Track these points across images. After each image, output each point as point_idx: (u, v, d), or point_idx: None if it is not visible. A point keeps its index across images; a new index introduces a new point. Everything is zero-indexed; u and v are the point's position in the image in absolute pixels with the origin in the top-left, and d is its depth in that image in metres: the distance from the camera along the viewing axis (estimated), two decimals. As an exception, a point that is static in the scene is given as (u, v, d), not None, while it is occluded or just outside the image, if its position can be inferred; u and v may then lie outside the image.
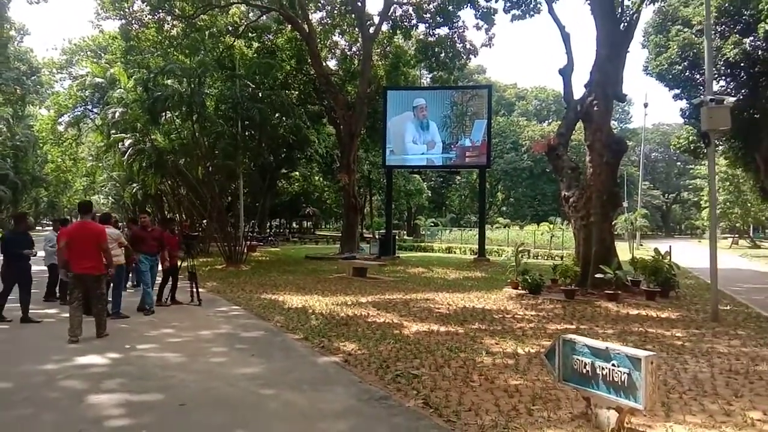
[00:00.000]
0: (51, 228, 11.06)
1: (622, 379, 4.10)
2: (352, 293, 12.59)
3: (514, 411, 4.71)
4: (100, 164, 34.43)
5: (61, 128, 35.37)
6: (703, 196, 49.24)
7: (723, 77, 26.13)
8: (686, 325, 8.82)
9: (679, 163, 79.93)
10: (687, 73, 26.95)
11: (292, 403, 4.90)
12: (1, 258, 8.85)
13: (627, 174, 62.05)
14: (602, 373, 4.27)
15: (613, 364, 4.19)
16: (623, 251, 25.37)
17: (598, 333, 8.04)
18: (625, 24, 14.81)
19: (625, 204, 50.14)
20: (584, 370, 4.41)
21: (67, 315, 7.47)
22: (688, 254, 24.59)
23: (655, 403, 4.21)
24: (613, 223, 14.42)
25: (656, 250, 12.93)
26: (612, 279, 11.49)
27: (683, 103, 28.27)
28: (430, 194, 58.38)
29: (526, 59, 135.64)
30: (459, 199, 69.13)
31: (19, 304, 8.65)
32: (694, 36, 25.66)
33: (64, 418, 4.45)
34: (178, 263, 10.94)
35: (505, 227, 48.51)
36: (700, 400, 5.00)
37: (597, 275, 11.80)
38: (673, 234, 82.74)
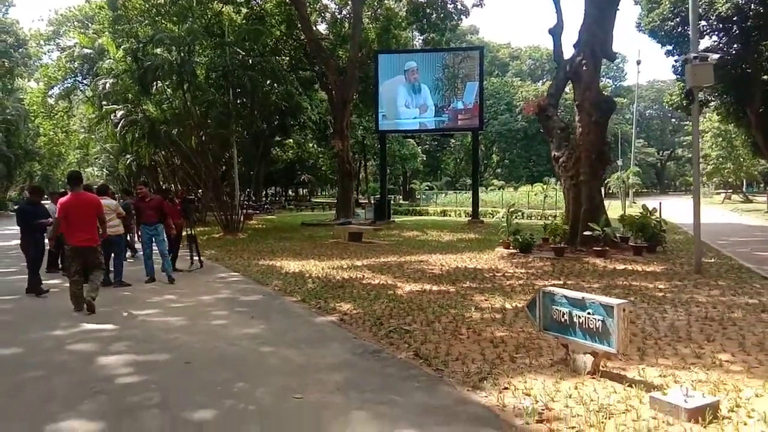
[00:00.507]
0: (49, 201, 11.19)
1: (597, 326, 4.40)
2: (348, 257, 12.89)
3: (498, 359, 5.03)
4: (93, 136, 34.29)
5: (51, 101, 35.11)
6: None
7: (715, 32, 26.03)
8: (669, 278, 9.17)
9: (673, 120, 79.84)
10: (679, 29, 26.74)
11: (291, 359, 5.21)
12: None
13: (621, 132, 62.10)
14: (579, 321, 4.56)
15: (588, 313, 4.48)
16: (616, 209, 25.75)
17: (584, 287, 8.36)
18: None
19: (619, 162, 50.43)
20: (563, 319, 4.71)
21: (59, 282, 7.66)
22: (679, 210, 24.91)
23: (627, 347, 4.51)
24: (603, 181, 14.65)
25: (644, 207, 13.22)
26: (600, 236, 11.80)
27: (676, 60, 28.14)
28: (425, 158, 58.42)
29: (520, 18, 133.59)
30: (454, 163, 69.23)
31: (25, 276, 8.89)
32: (686, -10, 25.39)
33: (77, 378, 4.74)
34: (181, 232, 11.13)
35: (499, 189, 48.84)
36: (674, 345, 5.33)
37: (585, 233, 12.10)
38: (668, 191, 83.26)
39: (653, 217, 12.81)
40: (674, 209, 24.82)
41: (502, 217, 14.55)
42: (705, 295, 7.71)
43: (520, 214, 27.52)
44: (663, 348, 5.25)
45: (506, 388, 4.28)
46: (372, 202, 33.68)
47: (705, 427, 3.48)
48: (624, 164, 46.86)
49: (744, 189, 55.17)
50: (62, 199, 7.65)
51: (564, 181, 13.89)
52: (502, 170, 70.03)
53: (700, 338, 5.55)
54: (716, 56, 9.57)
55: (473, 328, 6.16)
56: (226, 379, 4.63)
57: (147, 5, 24.61)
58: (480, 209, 26.01)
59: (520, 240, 12.80)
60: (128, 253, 12.33)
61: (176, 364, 5.10)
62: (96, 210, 7.61)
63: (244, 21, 26.43)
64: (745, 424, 3.54)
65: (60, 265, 11.10)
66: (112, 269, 9.45)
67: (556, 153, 13.98)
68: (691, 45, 9.86)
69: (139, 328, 6.56)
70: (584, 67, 12.87)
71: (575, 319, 4.60)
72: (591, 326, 4.46)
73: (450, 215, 32.72)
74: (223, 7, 26.43)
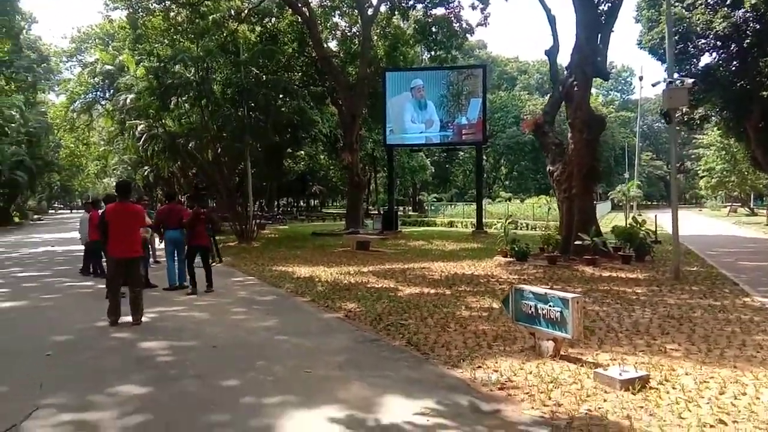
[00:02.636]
0: (83, 210, 12.25)
1: (556, 316, 5.28)
2: (355, 264, 13.80)
3: (477, 346, 5.92)
4: (112, 148, 35.67)
5: (73, 114, 36.55)
6: (700, 165, 49.92)
7: (714, 50, 26.82)
8: (648, 283, 9.99)
9: (683, 134, 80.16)
10: (680, 46, 27.61)
11: (301, 345, 6.12)
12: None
13: (629, 145, 62.73)
14: (542, 313, 5.45)
15: (549, 305, 5.37)
16: (620, 221, 26.43)
17: (567, 291, 9.19)
18: (609, 4, 15.71)
19: (626, 174, 51.09)
20: (530, 311, 5.60)
21: (102, 285, 8.23)
22: (681, 223, 25.53)
23: (581, 334, 5.37)
24: (594, 194, 15.48)
25: (634, 218, 14.04)
26: (590, 245, 12.63)
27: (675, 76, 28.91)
28: (433, 170, 59.41)
29: (528, 33, 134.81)
30: (463, 175, 70.05)
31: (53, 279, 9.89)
32: (684, 10, 26.28)
33: (125, 357, 5.70)
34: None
35: (506, 201, 49.55)
36: (631, 337, 6.19)
37: (576, 242, 12.94)
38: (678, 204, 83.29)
39: (642, 228, 13.60)
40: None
41: (500, 228, 15.39)
42: (675, 298, 8.54)
43: (524, 225, 28.56)
44: (621, 339, 6.11)
45: (479, 367, 5.17)
46: (381, 212, 34.59)
47: (634, 394, 4.35)
48: (631, 176, 47.52)
49: (752, 202, 55.48)
50: (108, 207, 7.67)
51: (558, 194, 14.75)
52: (511, 182, 70.76)
53: (656, 332, 6.40)
54: (690, 81, 10.42)
55: (461, 323, 7.04)
56: (248, 358, 5.55)
57: (166, 24, 25.91)
58: (486, 220, 26.85)
59: (516, 249, 13.65)
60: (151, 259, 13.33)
61: (205, 348, 6.04)
62: (138, 220, 7.62)
63: (258, 39, 27.64)
64: (668, 392, 4.40)
65: (90, 270, 12.11)
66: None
67: (551, 167, 14.85)
68: (667, 70, 10.75)
69: (170, 321, 7.52)
70: (575, 88, 13.78)
71: (540, 311, 5.48)
72: (552, 317, 5.34)
73: (457, 226, 33.55)
74: (238, 26, 27.68)
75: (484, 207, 29.18)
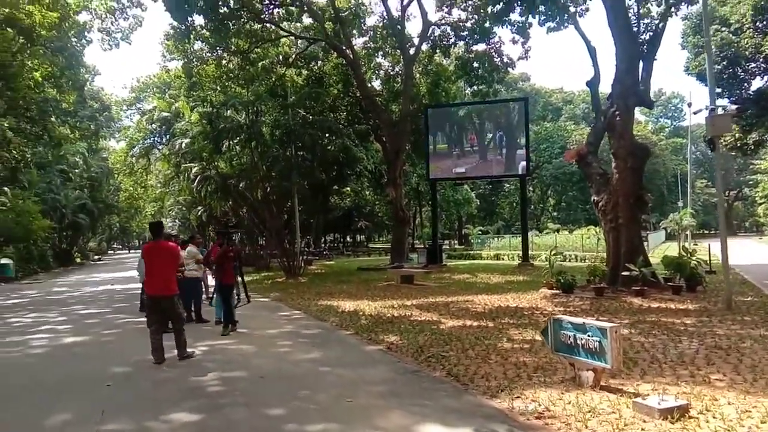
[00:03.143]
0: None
1: (595, 346, 5.31)
2: (399, 298, 13.94)
3: (517, 377, 5.96)
4: (168, 190, 37.36)
5: (132, 159, 38.63)
6: (758, 192, 47.91)
7: (764, 73, 26.14)
8: (698, 314, 9.72)
9: (738, 159, 77.35)
10: (728, 71, 27.05)
11: (344, 376, 6.32)
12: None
13: (682, 172, 60.94)
14: (581, 343, 5.48)
15: (588, 335, 5.40)
16: (673, 251, 25.62)
17: (612, 322, 9.07)
18: (651, 34, 15.73)
19: (680, 203, 49.52)
20: (569, 342, 5.63)
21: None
22: (737, 252, 24.58)
23: (621, 363, 5.36)
24: (645, 224, 15.20)
25: (684, 248, 13.69)
26: (638, 276, 12.39)
27: (726, 101, 28.26)
28: (479, 203, 59.23)
29: (572, 63, 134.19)
30: (509, 207, 69.48)
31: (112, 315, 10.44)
32: (731, 35, 25.83)
33: (178, 387, 6.03)
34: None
35: (554, 232, 48.74)
36: (675, 368, 6.10)
37: (623, 273, 12.71)
38: (738, 232, 79.88)
39: (693, 258, 13.24)
40: (732, 250, 24.49)
41: (545, 260, 15.27)
42: (725, 328, 8.30)
43: (573, 256, 28.03)
44: (664, 370, 6.03)
45: (518, 397, 5.22)
46: (426, 246, 34.67)
47: (673, 423, 4.33)
48: (684, 205, 46.10)
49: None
50: (144, 246, 7.95)
51: (604, 225, 14.56)
52: (559, 213, 69.66)
53: (701, 363, 6.27)
54: (734, 107, 10.31)
55: (502, 354, 7.08)
56: (293, 388, 5.78)
57: (218, 72, 27.36)
58: (533, 252, 26.53)
59: (562, 281, 13.50)
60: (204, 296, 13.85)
61: (253, 378, 6.32)
62: (173, 258, 7.58)
63: (305, 82, 28.75)
64: (707, 421, 4.36)
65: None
66: (193, 309, 10.91)
67: (595, 198, 14.72)
68: (709, 97, 10.65)
69: (220, 353, 7.86)
70: (617, 118, 13.74)
71: (578, 341, 5.52)
72: (591, 346, 5.37)
73: (503, 259, 33.20)
74: (285, 71, 28.91)
75: (530, 239, 28.89)
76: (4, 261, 28.38)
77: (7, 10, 19.76)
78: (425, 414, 4.80)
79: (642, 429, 4.26)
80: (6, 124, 28.56)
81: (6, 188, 30.60)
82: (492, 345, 7.67)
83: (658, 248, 35.56)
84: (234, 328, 9.60)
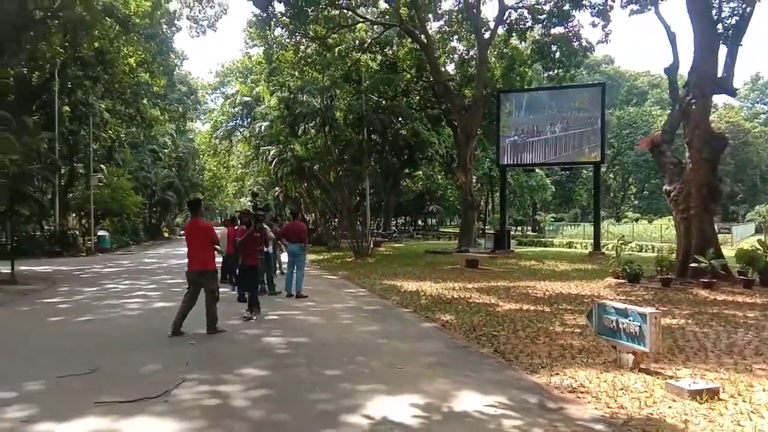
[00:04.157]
0: (222, 227, 14.00)
1: (635, 330, 5.54)
2: (461, 281, 14.31)
3: (561, 357, 6.28)
4: (248, 171, 39.26)
5: (216, 141, 40.83)
6: None
7: None
8: (764, 308, 9.49)
9: None
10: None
11: (399, 347, 6.86)
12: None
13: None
14: (623, 327, 5.72)
15: (629, 320, 5.63)
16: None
17: (674, 313, 9.08)
18: (737, 18, 15.02)
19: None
20: (612, 326, 5.88)
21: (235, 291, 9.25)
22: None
23: (660, 348, 5.56)
24: (714, 215, 14.72)
25: (760, 242, 13.17)
26: (707, 268, 12.11)
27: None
28: (554, 189, 57.93)
29: (660, 46, 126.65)
30: (587, 194, 67.40)
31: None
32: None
33: (250, 348, 6.82)
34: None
35: (633, 221, 47.09)
36: (721, 356, 6.19)
37: (692, 264, 12.46)
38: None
39: (769, 251, 12.74)
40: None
41: (611, 249, 15.11)
42: (789, 323, 8.14)
43: (649, 247, 27.20)
44: (709, 358, 6.14)
45: (557, 374, 5.56)
46: (495, 232, 34.60)
47: (701, 403, 4.55)
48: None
49: None
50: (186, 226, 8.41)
51: (675, 215, 14.24)
52: (640, 202, 66.90)
53: (749, 353, 6.31)
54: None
55: (551, 336, 7.37)
56: (350, 355, 6.39)
57: (296, 57, 28.44)
58: (607, 242, 25.96)
59: (628, 270, 13.38)
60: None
61: (315, 344, 7.00)
62: (208, 235, 7.83)
63: (378, 67, 29.30)
64: (735, 404, 4.54)
65: (227, 278, 13.78)
66: (266, 281, 11.81)
67: (668, 187, 14.39)
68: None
69: (288, 322, 8.63)
70: (693, 107, 13.34)
71: (621, 325, 5.75)
72: (631, 331, 5.60)
73: (576, 247, 32.67)
74: (360, 56, 29.57)
75: (606, 228, 28.25)
76: (102, 233, 31.05)
77: (105, 1, 21.49)
78: (466, 383, 5.25)
79: (669, 407, 4.51)
80: (103, 106, 31.12)
81: (103, 166, 33.36)
82: (543, 328, 7.96)
83: (745, 241, 33.65)
84: (258, 312, 9.13)
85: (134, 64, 28.81)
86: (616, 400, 4.69)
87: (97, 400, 4.74)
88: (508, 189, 32.67)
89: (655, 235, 33.15)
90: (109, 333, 7.98)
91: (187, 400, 4.83)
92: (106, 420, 4.32)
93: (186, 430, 4.15)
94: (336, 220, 27.62)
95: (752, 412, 4.34)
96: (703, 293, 11.44)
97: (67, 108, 28.50)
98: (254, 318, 8.87)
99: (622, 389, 4.97)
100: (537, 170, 46.54)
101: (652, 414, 4.37)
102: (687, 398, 4.64)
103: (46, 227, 28.73)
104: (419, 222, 65.17)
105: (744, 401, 4.62)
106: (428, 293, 11.81)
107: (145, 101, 33.92)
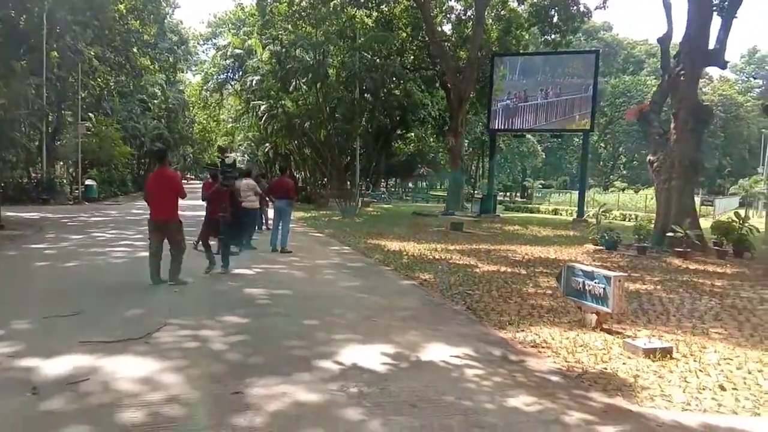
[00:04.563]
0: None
1: (600, 292, 5.81)
2: (444, 243, 14.55)
3: (529, 315, 6.57)
4: (238, 125, 38.95)
5: (206, 93, 40.29)
6: None
7: None
8: (733, 278, 9.86)
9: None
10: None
11: (377, 302, 7.12)
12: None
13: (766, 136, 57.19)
14: (589, 289, 5.98)
15: (595, 282, 5.90)
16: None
17: (645, 279, 9.40)
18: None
19: (760, 169, 46.86)
20: (578, 287, 6.15)
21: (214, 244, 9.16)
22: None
23: (622, 309, 5.85)
24: (695, 187, 14.99)
25: (736, 214, 13.51)
26: (682, 238, 12.45)
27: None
28: (545, 156, 58.06)
29: (659, 14, 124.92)
30: (577, 162, 67.69)
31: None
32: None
33: (233, 297, 7.05)
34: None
35: (620, 191, 47.55)
36: (681, 320, 6.51)
37: (668, 234, 12.78)
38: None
39: (745, 225, 13.07)
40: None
41: (592, 216, 15.41)
42: (752, 292, 8.48)
43: (633, 216, 27.59)
44: (670, 321, 6.46)
45: (523, 331, 5.85)
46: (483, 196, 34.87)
47: (653, 361, 4.85)
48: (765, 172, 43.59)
49: None
50: (150, 175, 8.12)
51: (656, 185, 14.50)
52: (629, 172, 67.33)
53: (708, 318, 6.64)
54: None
55: (523, 297, 7.66)
56: (328, 307, 6.64)
57: (290, 10, 27.89)
58: (592, 210, 26.35)
59: (606, 238, 13.70)
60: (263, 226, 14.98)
61: (296, 297, 7.24)
62: (173, 185, 7.61)
63: (374, 24, 28.84)
64: (686, 363, 4.85)
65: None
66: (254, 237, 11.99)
67: (651, 157, 14.60)
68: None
69: (271, 275, 8.86)
70: (682, 78, 13.42)
71: (587, 287, 6.02)
72: (596, 292, 5.87)
73: (561, 214, 33.04)
74: (356, 12, 29.06)
75: (592, 196, 28.58)
76: (89, 182, 30.87)
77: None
78: (435, 336, 5.52)
79: (623, 363, 4.80)
80: (92, 53, 30.51)
81: (91, 114, 32.94)
82: (517, 289, 8.25)
83: (726, 215, 34.20)
84: (212, 267, 8.65)
85: (124, 11, 28.20)
86: (574, 356, 4.98)
87: (81, 339, 4.95)
88: (499, 154, 32.79)
89: (639, 205, 33.63)
90: (94, 279, 8.18)
91: (168, 342, 5.06)
92: (89, 357, 4.54)
93: (166, 368, 4.38)
94: (325, 179, 27.68)
95: (700, 370, 4.64)
96: (676, 262, 11.80)
97: (56, 53, 27.94)
98: (208, 273, 8.51)
99: (582, 346, 5.26)
100: (528, 136, 46.57)
101: (606, 369, 4.66)
102: (641, 356, 4.94)
103: (33, 175, 28.55)
104: (410, 184, 65.24)
105: (695, 361, 4.92)
106: (411, 253, 12.07)
107: (135, 49, 33.29)
